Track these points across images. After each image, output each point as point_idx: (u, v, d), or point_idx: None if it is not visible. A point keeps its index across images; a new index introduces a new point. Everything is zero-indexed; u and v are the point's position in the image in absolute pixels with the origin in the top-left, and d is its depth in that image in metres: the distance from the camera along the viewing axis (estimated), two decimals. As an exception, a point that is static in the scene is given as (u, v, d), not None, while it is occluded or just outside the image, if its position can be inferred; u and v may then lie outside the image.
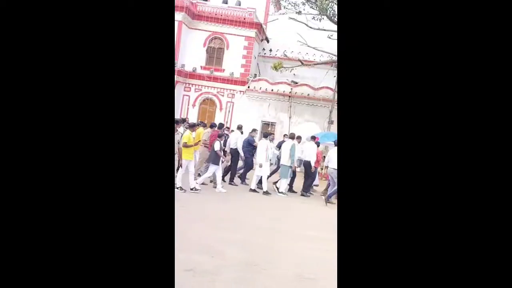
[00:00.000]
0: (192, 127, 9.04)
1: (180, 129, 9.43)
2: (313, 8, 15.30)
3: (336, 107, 16.43)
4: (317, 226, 7.09)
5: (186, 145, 8.05)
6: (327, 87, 17.06)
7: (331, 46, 16.72)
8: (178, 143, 8.36)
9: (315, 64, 16.57)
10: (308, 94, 17.47)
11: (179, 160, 8.32)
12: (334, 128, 16.12)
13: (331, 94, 16.51)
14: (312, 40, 16.20)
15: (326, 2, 14.24)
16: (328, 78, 16.93)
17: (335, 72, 16.45)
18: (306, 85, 17.61)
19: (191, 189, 8.11)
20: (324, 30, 15.48)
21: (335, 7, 14.83)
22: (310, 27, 15.57)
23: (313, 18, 15.39)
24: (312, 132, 14.21)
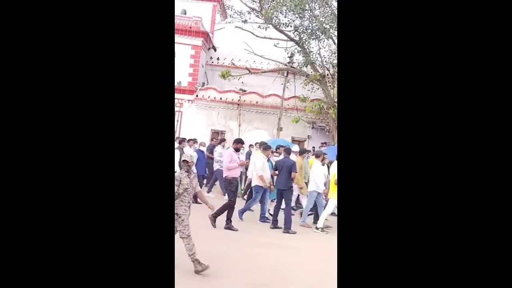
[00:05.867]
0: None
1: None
2: (258, 17, 15.51)
3: (284, 114, 16.71)
4: (270, 232, 7.13)
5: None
6: (275, 95, 17.30)
7: (278, 54, 17.01)
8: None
9: (262, 72, 16.76)
10: (257, 102, 17.63)
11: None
12: (282, 135, 16.35)
13: (279, 101, 16.76)
14: (258, 49, 16.38)
15: (271, 11, 14.49)
16: (276, 86, 17.17)
17: (283, 79, 16.73)
18: (254, 93, 17.76)
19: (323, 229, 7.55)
20: (270, 38, 15.71)
21: (280, 16, 15.12)
22: (256, 36, 15.76)
23: (259, 26, 15.58)
24: (262, 139, 14.32)
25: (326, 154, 8.54)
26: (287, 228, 7.13)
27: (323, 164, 8.11)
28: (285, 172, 7.28)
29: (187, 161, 4.64)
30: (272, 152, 8.55)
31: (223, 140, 11.05)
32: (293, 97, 16.91)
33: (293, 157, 8.50)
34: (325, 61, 15.48)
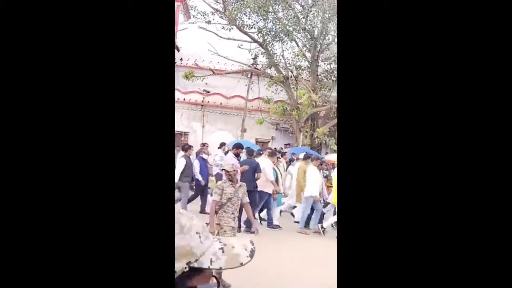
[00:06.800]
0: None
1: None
2: (222, 18, 15.49)
3: (248, 115, 16.74)
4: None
5: None
6: (239, 96, 17.32)
7: (241, 56, 17.04)
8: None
9: (226, 73, 16.74)
10: (221, 103, 17.58)
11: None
12: (246, 136, 16.38)
13: (243, 103, 16.78)
14: (222, 50, 16.37)
15: (235, 12, 14.51)
16: (240, 87, 17.20)
17: (246, 81, 16.77)
18: (218, 94, 17.71)
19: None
20: (234, 39, 15.73)
21: (244, 18, 15.17)
22: (220, 37, 15.73)
23: (223, 28, 15.57)
24: (226, 140, 14.28)
25: (323, 158, 8.58)
26: (248, 227, 7.15)
27: (319, 169, 8.06)
28: (250, 173, 7.25)
29: (227, 170, 4.41)
30: (278, 158, 8.51)
31: (223, 144, 10.74)
32: (257, 98, 16.98)
33: (298, 162, 8.57)
34: (289, 63, 15.66)
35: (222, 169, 4.53)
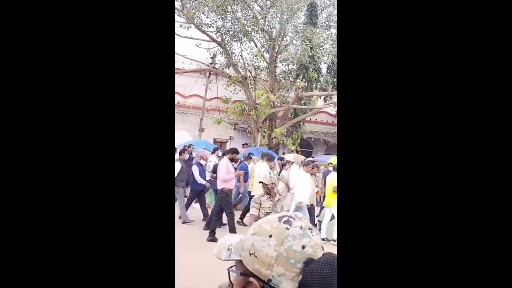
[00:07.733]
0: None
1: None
2: (180, 16, 15.29)
3: (206, 114, 16.63)
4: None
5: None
6: (197, 95, 17.17)
7: (200, 55, 16.90)
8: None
9: (184, 72, 16.54)
10: (179, 102, 17.35)
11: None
12: (204, 136, 16.28)
13: (201, 102, 16.66)
14: (180, 48, 16.18)
15: (193, 11, 14.36)
16: (198, 86, 17.05)
17: (204, 80, 16.65)
18: (176, 93, 17.47)
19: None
20: (192, 38, 15.57)
21: (202, 17, 15.06)
22: (178, 35, 15.52)
23: (181, 26, 15.38)
24: (183, 140, 14.10)
25: (316, 161, 8.52)
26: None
27: (312, 174, 7.86)
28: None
29: (265, 183, 4.24)
30: (274, 163, 8.47)
31: (217, 149, 10.33)
32: (215, 98, 16.91)
33: (294, 167, 8.50)
34: (247, 63, 15.71)
35: (260, 182, 4.41)
